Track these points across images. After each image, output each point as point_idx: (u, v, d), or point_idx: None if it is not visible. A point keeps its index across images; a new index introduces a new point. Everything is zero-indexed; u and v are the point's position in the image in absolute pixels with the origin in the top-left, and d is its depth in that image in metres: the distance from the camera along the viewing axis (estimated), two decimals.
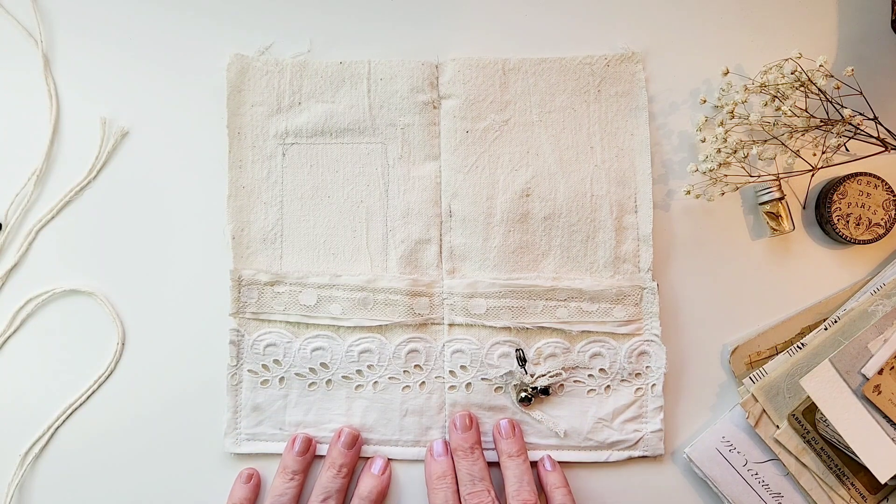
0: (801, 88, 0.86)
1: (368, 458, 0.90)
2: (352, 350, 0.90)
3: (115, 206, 0.92)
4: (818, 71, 0.85)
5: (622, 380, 0.90)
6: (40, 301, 0.91)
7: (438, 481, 0.86)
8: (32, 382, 0.91)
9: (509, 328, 0.89)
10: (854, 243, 0.89)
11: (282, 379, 0.90)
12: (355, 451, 0.89)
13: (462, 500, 0.85)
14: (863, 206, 0.89)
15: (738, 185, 0.88)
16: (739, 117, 0.88)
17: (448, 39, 0.93)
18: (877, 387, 0.85)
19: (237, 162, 0.91)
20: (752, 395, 0.88)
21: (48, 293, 0.91)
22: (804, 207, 0.92)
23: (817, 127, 0.87)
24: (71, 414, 0.91)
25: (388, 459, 0.90)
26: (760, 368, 0.89)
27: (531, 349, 0.90)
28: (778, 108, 0.86)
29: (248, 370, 0.90)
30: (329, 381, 0.90)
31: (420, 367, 0.90)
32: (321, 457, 0.90)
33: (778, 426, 0.88)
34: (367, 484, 0.87)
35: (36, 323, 0.92)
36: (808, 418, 0.87)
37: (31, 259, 0.92)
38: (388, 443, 0.90)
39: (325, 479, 0.86)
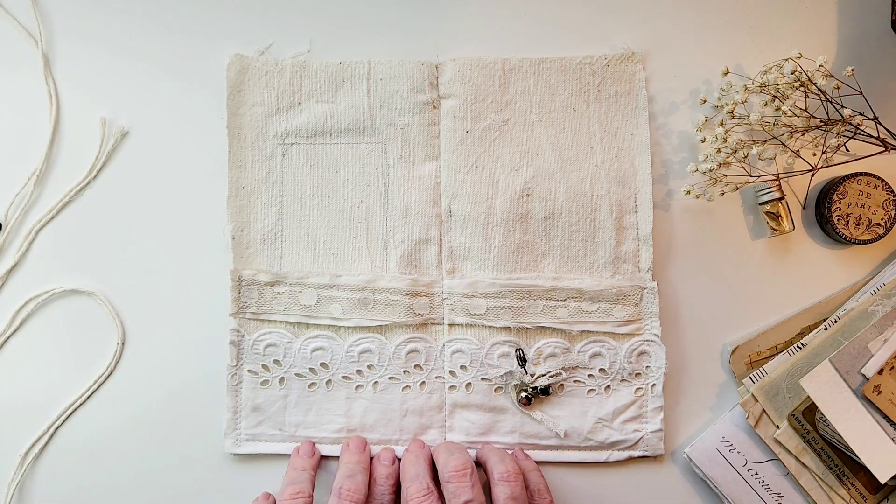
0: (801, 88, 0.86)
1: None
2: (352, 350, 0.90)
3: (115, 206, 0.92)
4: (818, 71, 0.85)
5: (622, 380, 0.90)
6: (40, 301, 0.91)
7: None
8: (32, 382, 0.91)
9: (509, 328, 0.89)
10: (854, 243, 0.89)
11: (282, 379, 0.90)
12: (368, 452, 0.89)
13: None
14: (863, 206, 0.89)
15: (738, 185, 0.88)
16: (739, 117, 0.88)
17: (448, 39, 0.93)
18: (877, 387, 0.85)
19: (237, 162, 0.91)
20: (752, 395, 0.88)
21: (48, 293, 0.91)
22: (804, 207, 0.92)
23: (817, 127, 0.87)
24: (71, 414, 0.91)
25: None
26: (760, 368, 0.89)
27: (531, 349, 0.90)
28: (778, 108, 0.86)
29: (248, 370, 0.90)
30: (329, 381, 0.90)
31: (420, 367, 0.90)
32: (326, 457, 0.90)
33: (778, 426, 0.88)
34: (382, 472, 0.87)
35: (36, 323, 0.92)
36: (808, 418, 0.87)
37: (31, 259, 0.92)
38: (389, 443, 0.90)
39: (348, 464, 0.87)
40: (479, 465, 0.89)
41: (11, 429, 0.91)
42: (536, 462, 0.90)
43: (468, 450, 0.89)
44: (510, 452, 0.89)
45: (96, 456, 0.91)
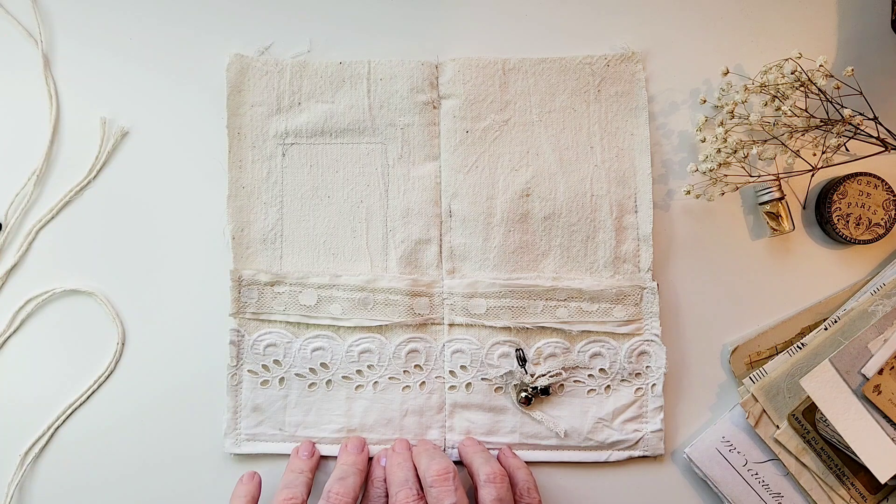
0: (801, 88, 0.86)
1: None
2: (352, 350, 0.90)
3: (115, 206, 0.92)
4: (818, 71, 0.85)
5: (622, 380, 0.90)
6: (40, 301, 0.91)
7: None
8: (32, 382, 0.91)
9: (509, 328, 0.89)
10: (854, 243, 0.89)
11: (282, 379, 0.90)
12: (365, 454, 0.89)
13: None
14: (863, 206, 0.89)
15: (738, 185, 0.88)
16: (739, 117, 0.88)
17: (448, 39, 0.93)
18: (877, 387, 0.85)
19: (237, 162, 0.91)
20: (752, 395, 0.88)
21: (48, 293, 0.91)
22: (804, 207, 0.92)
23: (817, 127, 0.87)
24: (71, 414, 0.91)
25: None
26: (760, 368, 0.89)
27: (531, 349, 0.90)
28: (778, 108, 0.86)
29: (248, 370, 0.90)
30: (329, 381, 0.90)
31: (420, 367, 0.90)
32: (326, 458, 0.90)
33: (778, 426, 0.88)
34: (379, 473, 0.87)
35: (36, 323, 0.91)
36: (808, 418, 0.87)
37: (31, 259, 0.92)
38: (389, 443, 0.90)
39: (342, 466, 0.86)
40: (463, 465, 0.89)
41: (11, 429, 0.91)
42: (538, 462, 0.90)
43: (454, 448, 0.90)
44: (496, 451, 0.90)
45: (96, 456, 0.91)
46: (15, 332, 0.91)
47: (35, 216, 0.92)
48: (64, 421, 0.91)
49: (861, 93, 0.88)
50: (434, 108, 0.91)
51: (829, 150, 0.86)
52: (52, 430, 0.90)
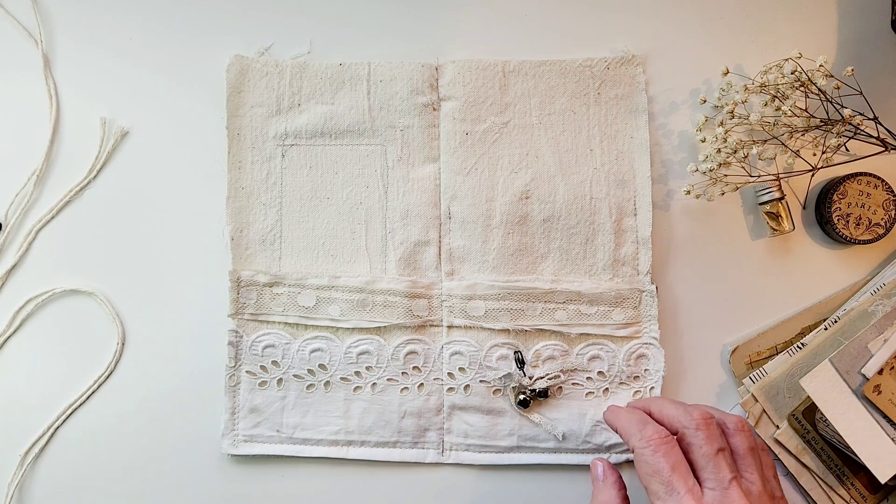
0: (801, 88, 0.86)
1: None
2: (350, 351, 0.90)
3: (115, 206, 0.92)
4: (818, 71, 0.85)
5: (620, 382, 0.90)
6: (40, 301, 0.91)
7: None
8: (32, 382, 0.91)
9: (508, 330, 0.89)
10: (854, 243, 0.89)
11: (280, 380, 0.90)
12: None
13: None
14: (863, 206, 0.89)
15: (738, 185, 0.88)
16: (739, 117, 0.88)
17: (448, 41, 0.93)
18: (877, 387, 0.85)
19: (236, 163, 0.91)
20: (752, 395, 0.88)
21: (48, 293, 0.91)
22: (804, 207, 0.92)
23: (817, 127, 0.87)
24: (71, 414, 0.91)
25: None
26: (760, 368, 0.89)
27: (530, 351, 0.90)
28: (778, 108, 0.86)
29: (247, 371, 0.90)
30: (327, 382, 0.90)
31: (418, 369, 0.90)
32: (318, 458, 0.90)
33: (778, 426, 0.88)
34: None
35: (36, 323, 0.92)
36: (808, 418, 0.87)
37: (31, 259, 0.92)
38: (387, 444, 0.90)
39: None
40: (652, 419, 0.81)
41: (11, 429, 0.91)
42: (536, 465, 0.90)
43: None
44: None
45: (96, 456, 0.91)
46: (15, 332, 0.91)
47: (35, 216, 0.92)
48: (64, 421, 0.91)
49: (861, 93, 0.88)
50: (434, 109, 0.91)
51: (829, 150, 0.86)
52: (52, 430, 0.90)
